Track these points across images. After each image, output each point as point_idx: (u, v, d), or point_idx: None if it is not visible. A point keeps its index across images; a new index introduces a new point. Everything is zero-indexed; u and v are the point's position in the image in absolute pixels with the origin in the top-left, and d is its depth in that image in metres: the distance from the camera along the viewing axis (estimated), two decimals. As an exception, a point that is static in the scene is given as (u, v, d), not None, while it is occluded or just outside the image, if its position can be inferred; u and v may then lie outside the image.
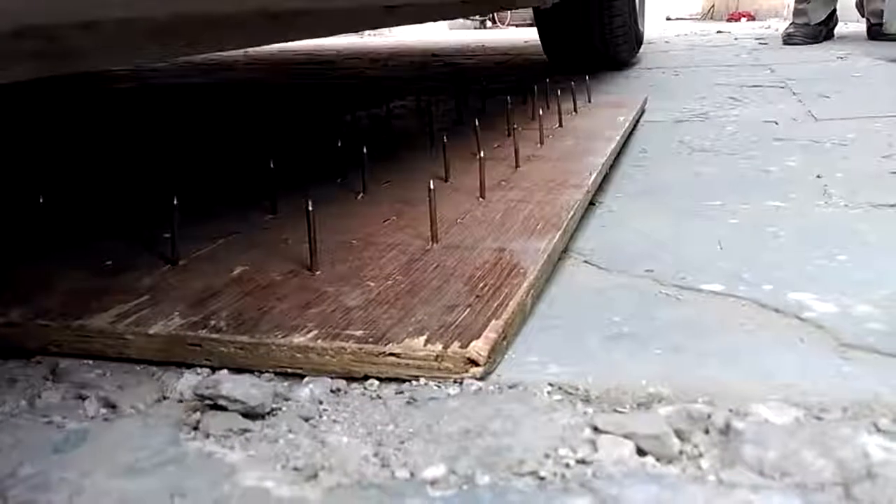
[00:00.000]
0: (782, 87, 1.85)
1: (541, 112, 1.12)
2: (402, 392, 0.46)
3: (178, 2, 0.41)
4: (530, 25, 6.08)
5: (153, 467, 0.35)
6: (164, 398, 0.44)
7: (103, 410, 0.42)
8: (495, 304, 0.54)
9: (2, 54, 0.35)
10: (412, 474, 0.34)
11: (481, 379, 0.47)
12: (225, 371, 0.49)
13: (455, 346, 0.48)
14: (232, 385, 0.40)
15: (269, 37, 0.61)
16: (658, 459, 0.35)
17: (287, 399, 0.45)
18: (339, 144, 0.94)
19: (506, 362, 0.50)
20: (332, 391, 0.47)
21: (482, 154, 0.84)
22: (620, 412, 0.40)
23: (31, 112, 1.69)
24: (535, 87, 1.36)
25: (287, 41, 0.69)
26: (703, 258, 0.70)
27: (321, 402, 0.45)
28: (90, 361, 0.52)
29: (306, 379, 0.48)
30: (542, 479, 0.33)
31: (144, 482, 0.33)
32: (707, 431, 0.37)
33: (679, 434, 0.36)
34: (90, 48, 0.41)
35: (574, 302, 0.61)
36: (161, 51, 0.48)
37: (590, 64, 2.20)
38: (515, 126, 0.99)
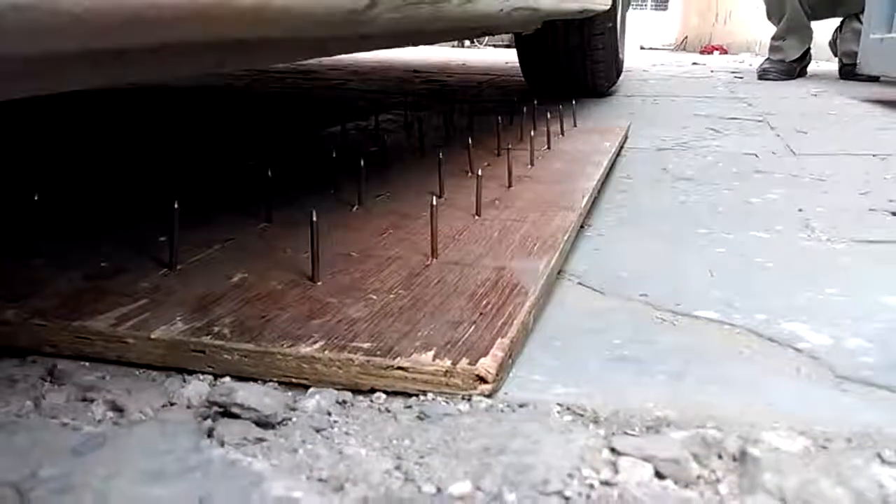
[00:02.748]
0: (760, 121, 1.89)
1: (532, 133, 1.13)
2: (410, 406, 0.46)
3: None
4: (508, 47, 6.15)
5: (178, 473, 0.34)
6: (172, 404, 0.44)
7: (111, 414, 0.41)
8: (500, 323, 0.55)
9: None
10: (438, 489, 0.34)
11: (489, 396, 0.47)
12: (228, 379, 0.49)
13: (464, 362, 0.48)
14: (246, 393, 0.40)
15: (250, 62, 0.60)
16: (677, 483, 0.35)
17: (294, 409, 0.45)
18: (334, 155, 0.94)
19: (511, 381, 0.50)
20: (338, 402, 0.47)
21: (478, 173, 0.84)
22: (633, 435, 0.41)
23: (27, 110, 1.66)
24: (525, 109, 1.37)
25: (266, 65, 0.68)
26: (695, 285, 0.71)
27: (329, 414, 0.45)
28: (87, 364, 0.51)
29: (311, 390, 0.48)
30: (567, 499, 0.34)
31: (171, 488, 0.33)
32: (721, 457, 0.38)
33: (696, 458, 0.37)
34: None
35: (572, 323, 0.62)
36: (143, 73, 0.46)
37: (569, 91, 2.21)
38: (511, 147, 1.00)
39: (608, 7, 1.90)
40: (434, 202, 0.69)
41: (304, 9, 0.40)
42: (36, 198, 0.68)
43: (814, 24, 3.26)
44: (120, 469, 0.34)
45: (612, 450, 0.38)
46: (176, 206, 0.64)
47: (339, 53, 0.88)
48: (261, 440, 0.39)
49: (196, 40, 0.37)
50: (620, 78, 2.60)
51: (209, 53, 0.46)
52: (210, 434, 0.39)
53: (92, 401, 0.43)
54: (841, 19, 3.31)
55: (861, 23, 2.68)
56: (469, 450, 0.38)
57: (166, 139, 1.49)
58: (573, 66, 2.20)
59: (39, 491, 0.32)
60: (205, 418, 0.41)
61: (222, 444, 0.38)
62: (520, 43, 2.27)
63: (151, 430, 0.39)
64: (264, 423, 0.40)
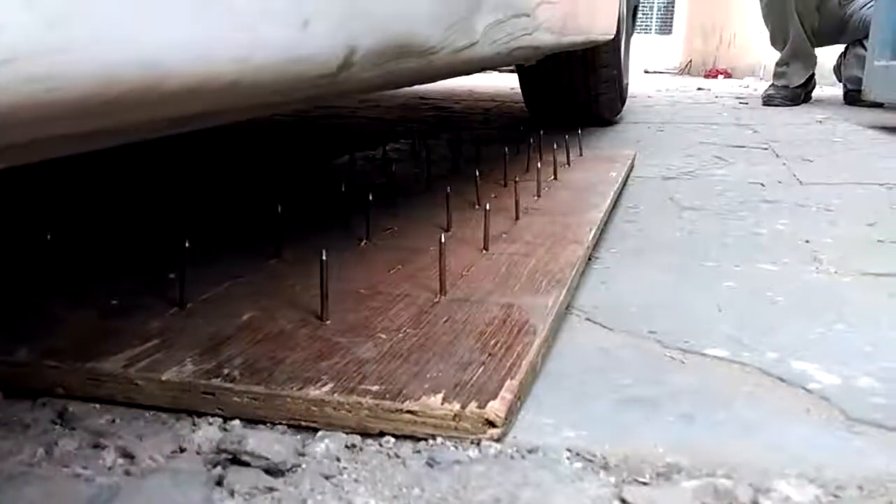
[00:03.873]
0: (765, 149, 1.90)
1: (539, 165, 1.13)
2: (419, 451, 0.46)
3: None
4: (512, 72, 6.20)
5: (191, 529, 0.34)
6: (182, 450, 0.44)
7: (121, 461, 0.42)
8: (508, 363, 0.55)
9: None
10: (449, 544, 0.34)
11: (498, 440, 0.47)
12: (237, 422, 0.49)
13: (472, 406, 0.48)
14: (256, 441, 0.40)
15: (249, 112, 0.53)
16: (688, 536, 0.35)
17: (303, 455, 0.45)
18: (343, 189, 0.94)
19: (520, 423, 0.50)
20: (347, 447, 0.47)
21: (486, 206, 0.85)
22: (643, 482, 0.41)
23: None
24: (531, 139, 1.38)
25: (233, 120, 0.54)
26: (703, 321, 0.71)
27: (339, 460, 0.45)
28: (97, 406, 0.51)
29: (320, 433, 0.48)
30: (577, 553, 0.33)
31: (183, 545, 0.33)
32: (732, 507, 0.38)
33: (707, 510, 0.37)
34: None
35: (580, 361, 0.62)
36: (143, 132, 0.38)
37: (572, 121, 2.16)
38: (518, 178, 1.01)
39: (612, 36, 1.90)
40: (443, 239, 0.69)
41: (257, 80, 0.33)
42: (48, 237, 0.69)
43: (817, 50, 3.27)
44: (132, 524, 0.34)
45: (623, 501, 0.38)
46: (187, 244, 0.65)
47: (319, 104, 0.80)
48: (271, 489, 0.39)
49: (112, 127, 0.31)
50: (625, 105, 2.61)
51: (153, 126, 0.37)
52: (220, 482, 0.39)
53: (104, 447, 0.43)
54: (845, 45, 3.32)
55: (865, 48, 2.70)
56: (480, 501, 0.38)
57: (171, 171, 1.50)
58: (577, 95, 2.15)
59: (52, 547, 0.32)
60: (214, 465, 0.41)
61: (232, 495, 0.38)
62: (522, 72, 2.23)
63: (163, 480, 0.39)
64: (274, 471, 0.40)
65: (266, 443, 0.41)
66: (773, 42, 3.34)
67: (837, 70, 3.46)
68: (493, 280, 0.73)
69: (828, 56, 3.50)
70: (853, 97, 3.07)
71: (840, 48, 3.39)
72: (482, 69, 1.67)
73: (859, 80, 2.67)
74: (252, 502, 0.37)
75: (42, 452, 0.42)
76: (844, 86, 3.30)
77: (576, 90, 2.14)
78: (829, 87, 3.81)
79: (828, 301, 0.78)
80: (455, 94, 3.48)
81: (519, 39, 0.86)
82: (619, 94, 2.33)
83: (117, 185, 1.32)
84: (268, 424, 0.49)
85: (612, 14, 1.82)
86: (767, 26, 3.34)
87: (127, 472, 0.40)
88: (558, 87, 2.15)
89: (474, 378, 0.52)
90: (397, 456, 0.45)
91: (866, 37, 2.62)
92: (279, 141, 1.94)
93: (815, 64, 3.26)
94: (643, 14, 13.15)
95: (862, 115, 2.69)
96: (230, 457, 0.41)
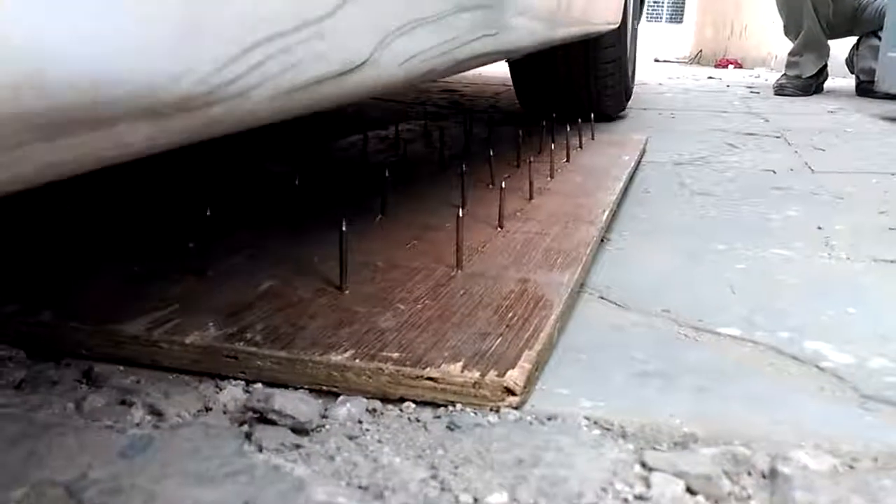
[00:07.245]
0: (777, 137, 1.89)
1: (552, 146, 1.14)
2: (439, 417, 0.47)
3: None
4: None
5: (224, 477, 0.35)
6: (208, 409, 0.44)
7: (149, 418, 0.42)
8: (526, 335, 0.55)
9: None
10: (476, 500, 0.35)
11: (517, 408, 0.48)
12: (260, 385, 0.50)
13: (492, 374, 0.49)
14: (283, 400, 0.41)
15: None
16: (708, 499, 0.36)
17: (326, 417, 0.46)
18: (358, 166, 0.95)
19: (537, 393, 0.51)
20: (368, 411, 0.47)
21: (502, 185, 0.85)
22: (661, 450, 0.41)
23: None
24: (544, 123, 1.38)
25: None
26: (716, 301, 0.72)
27: (361, 422, 0.45)
28: (121, 367, 0.52)
29: (341, 398, 0.49)
30: (600, 511, 0.34)
31: (218, 491, 0.34)
32: (750, 474, 0.38)
33: (727, 475, 0.38)
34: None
35: (595, 337, 0.62)
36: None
37: (570, 118, 1.67)
38: (532, 160, 1.01)
39: (617, 25, 1.70)
40: (460, 214, 0.70)
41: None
42: (69, 205, 0.70)
43: (830, 41, 3.26)
44: (167, 472, 0.35)
45: (643, 464, 0.39)
46: (208, 212, 0.66)
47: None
48: (298, 446, 0.39)
49: None
50: (637, 89, 2.59)
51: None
52: (248, 438, 0.40)
53: (131, 404, 0.44)
54: (858, 36, 3.30)
55: (879, 39, 2.68)
56: (503, 461, 0.38)
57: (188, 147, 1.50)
58: (576, 90, 1.89)
59: (91, 492, 0.33)
60: (241, 423, 0.42)
61: (261, 450, 0.39)
62: (514, 67, 1.91)
63: (193, 434, 0.40)
64: (300, 430, 0.41)
65: (291, 403, 0.42)
66: (787, 32, 3.32)
67: (850, 62, 3.44)
68: (508, 256, 0.74)
69: (840, 48, 3.48)
70: (865, 88, 3.06)
71: (852, 40, 3.37)
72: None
73: (872, 72, 2.65)
74: (282, 457, 0.38)
75: (72, 407, 0.43)
76: (857, 77, 3.28)
77: (575, 84, 1.88)
78: (840, 79, 3.79)
79: (840, 285, 0.78)
80: (464, 78, 3.47)
81: (469, 46, 0.62)
82: (624, 92, 2.06)
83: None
84: (290, 388, 0.49)
85: (616, -1, 1.65)
86: (781, 16, 3.32)
87: (156, 427, 0.41)
88: (555, 81, 1.88)
89: (493, 348, 0.53)
90: (418, 420, 0.46)
91: (881, 28, 2.60)
92: (293, 118, 1.94)
93: (828, 55, 3.25)
94: (655, 2, 13.04)
95: (874, 106, 2.68)
96: (257, 415, 0.42)
